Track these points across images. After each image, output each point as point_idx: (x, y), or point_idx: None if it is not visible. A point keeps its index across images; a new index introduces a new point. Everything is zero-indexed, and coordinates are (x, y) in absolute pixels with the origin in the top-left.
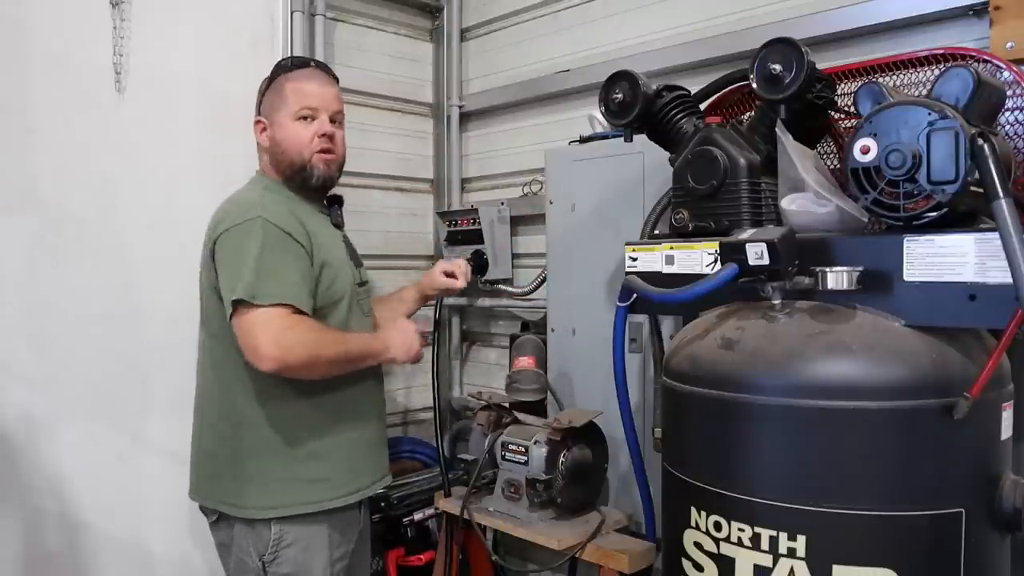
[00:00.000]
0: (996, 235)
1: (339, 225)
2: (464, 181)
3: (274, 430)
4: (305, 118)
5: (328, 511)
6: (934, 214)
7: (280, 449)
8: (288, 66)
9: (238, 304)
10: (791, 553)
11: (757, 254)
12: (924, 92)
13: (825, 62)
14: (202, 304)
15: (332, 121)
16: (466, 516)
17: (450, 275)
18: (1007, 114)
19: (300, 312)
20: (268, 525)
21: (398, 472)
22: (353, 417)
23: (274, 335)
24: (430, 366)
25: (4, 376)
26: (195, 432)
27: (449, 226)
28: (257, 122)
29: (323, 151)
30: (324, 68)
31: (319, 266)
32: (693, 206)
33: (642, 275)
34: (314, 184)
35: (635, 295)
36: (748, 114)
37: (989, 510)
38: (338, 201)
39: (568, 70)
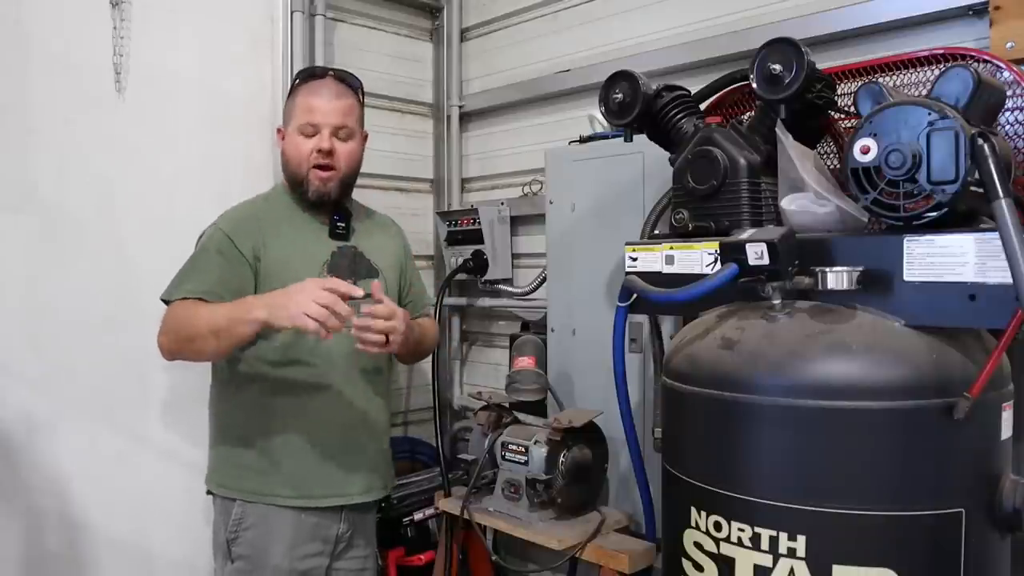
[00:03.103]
0: (996, 235)
1: (340, 236)
2: (464, 181)
3: (228, 413)
4: (308, 133)
5: (290, 506)
6: (934, 214)
7: (232, 432)
8: (305, 76)
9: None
10: (791, 553)
11: (757, 254)
12: (924, 92)
13: (825, 62)
14: None
15: (337, 136)
16: (466, 516)
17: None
18: (1007, 114)
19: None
20: (233, 503)
21: (398, 472)
22: (303, 422)
23: (164, 326)
24: (430, 366)
25: (4, 376)
26: None
27: (449, 226)
28: (278, 130)
29: (319, 167)
30: (341, 78)
31: (263, 274)
32: (693, 206)
33: (642, 275)
34: (310, 199)
35: (635, 295)
36: (748, 114)
37: (989, 510)
38: (343, 212)
39: (568, 70)
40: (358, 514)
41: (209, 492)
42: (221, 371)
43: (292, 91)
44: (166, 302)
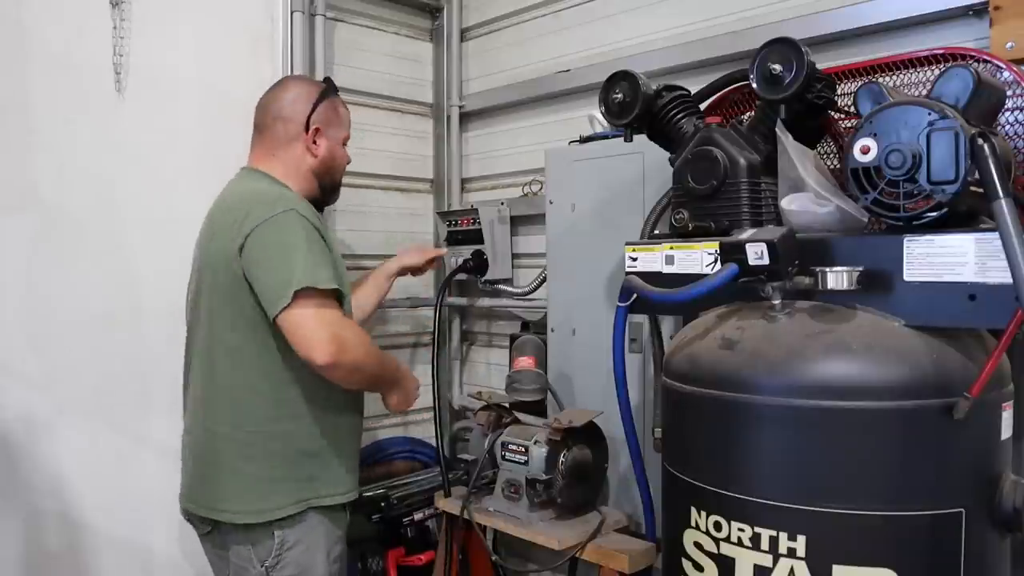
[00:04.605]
0: (996, 235)
1: None
2: (464, 181)
3: (274, 431)
4: (344, 145)
5: (322, 508)
6: (934, 214)
7: (278, 451)
8: (335, 89)
9: (299, 294)
10: (791, 553)
11: (757, 254)
12: (924, 92)
13: (825, 62)
14: (211, 305)
15: None
16: (466, 516)
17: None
18: (1007, 114)
19: (341, 306)
20: (269, 531)
21: (398, 472)
22: (343, 424)
23: (332, 331)
24: (430, 366)
25: (4, 376)
26: (192, 439)
27: (449, 226)
28: (316, 129)
29: None
30: None
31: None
32: (693, 206)
33: (642, 275)
34: (332, 201)
35: (635, 295)
36: (748, 114)
37: (989, 510)
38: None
39: (568, 70)
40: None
41: (212, 530)
42: (277, 386)
43: (328, 98)
44: (306, 294)
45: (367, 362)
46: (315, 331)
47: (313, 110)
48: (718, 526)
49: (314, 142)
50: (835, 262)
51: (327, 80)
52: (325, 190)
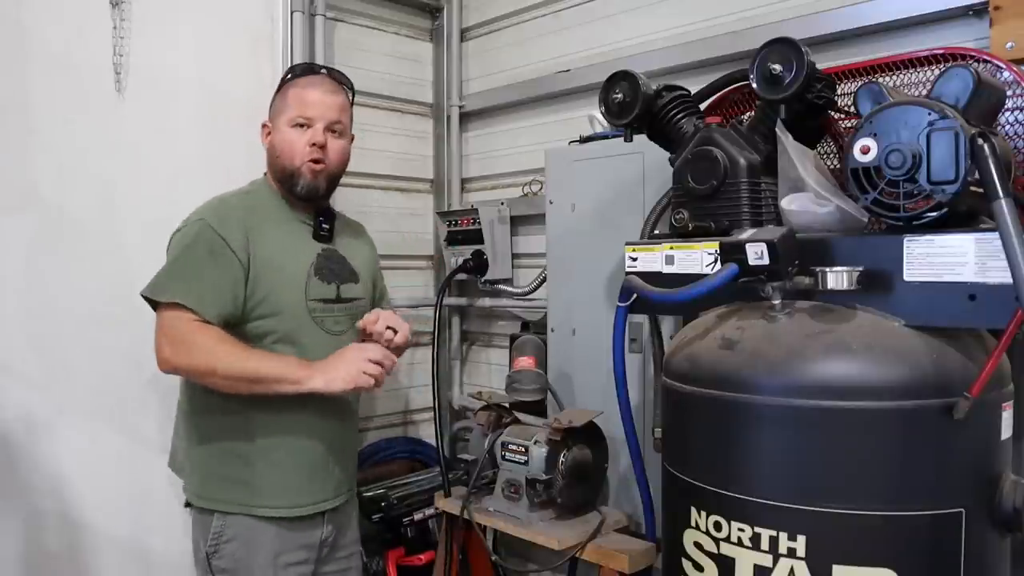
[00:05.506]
0: (996, 235)
1: (324, 238)
2: (464, 181)
3: (208, 423)
4: (301, 125)
5: (267, 518)
6: (934, 214)
7: (212, 443)
8: (297, 72)
9: (147, 300)
10: (791, 553)
11: (757, 254)
12: (924, 92)
13: (825, 62)
14: None
15: (331, 131)
16: (466, 516)
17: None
18: (1007, 114)
19: (198, 315)
20: (212, 516)
21: (398, 472)
22: (286, 432)
23: (170, 338)
24: (430, 366)
25: (4, 376)
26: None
27: (449, 226)
28: (263, 125)
29: (313, 160)
30: (335, 76)
31: (253, 276)
32: (693, 206)
33: (642, 275)
34: (298, 192)
35: (635, 295)
36: (748, 114)
37: (989, 510)
38: (328, 214)
39: (568, 70)
40: (339, 514)
41: (188, 504)
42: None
43: (283, 85)
44: (151, 300)
45: (216, 367)
46: (157, 339)
47: (270, 108)
48: (718, 526)
49: (266, 138)
50: (835, 262)
51: (292, 67)
52: (283, 180)
